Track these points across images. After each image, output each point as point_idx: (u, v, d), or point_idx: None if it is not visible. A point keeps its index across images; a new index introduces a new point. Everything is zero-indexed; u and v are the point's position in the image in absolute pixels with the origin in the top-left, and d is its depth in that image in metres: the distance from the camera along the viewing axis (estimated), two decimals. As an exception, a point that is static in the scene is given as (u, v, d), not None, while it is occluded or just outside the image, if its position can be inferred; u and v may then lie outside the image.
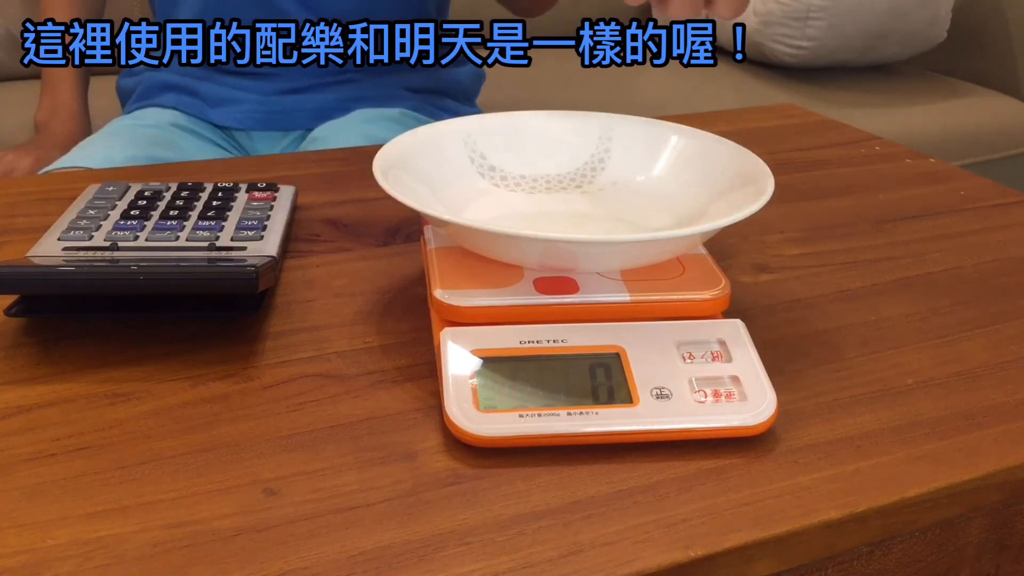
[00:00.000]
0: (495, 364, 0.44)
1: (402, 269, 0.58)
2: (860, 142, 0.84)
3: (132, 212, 0.57)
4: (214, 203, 0.59)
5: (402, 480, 0.41)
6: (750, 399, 0.44)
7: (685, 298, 0.48)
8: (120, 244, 0.54)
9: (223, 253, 0.53)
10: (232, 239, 0.54)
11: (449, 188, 0.55)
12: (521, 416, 0.42)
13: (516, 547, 0.37)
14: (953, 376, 0.49)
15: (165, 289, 0.47)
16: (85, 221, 0.56)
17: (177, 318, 0.51)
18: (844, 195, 0.72)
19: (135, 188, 0.61)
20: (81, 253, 0.52)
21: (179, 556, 0.36)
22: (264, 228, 0.56)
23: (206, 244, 0.54)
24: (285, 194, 0.62)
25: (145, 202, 0.59)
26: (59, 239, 0.54)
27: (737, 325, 0.47)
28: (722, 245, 0.61)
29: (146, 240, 0.54)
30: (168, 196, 0.60)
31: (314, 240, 0.62)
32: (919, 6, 1.65)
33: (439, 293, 0.47)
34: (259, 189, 0.62)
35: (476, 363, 0.44)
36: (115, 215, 0.57)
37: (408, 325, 0.52)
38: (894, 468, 0.42)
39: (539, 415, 0.42)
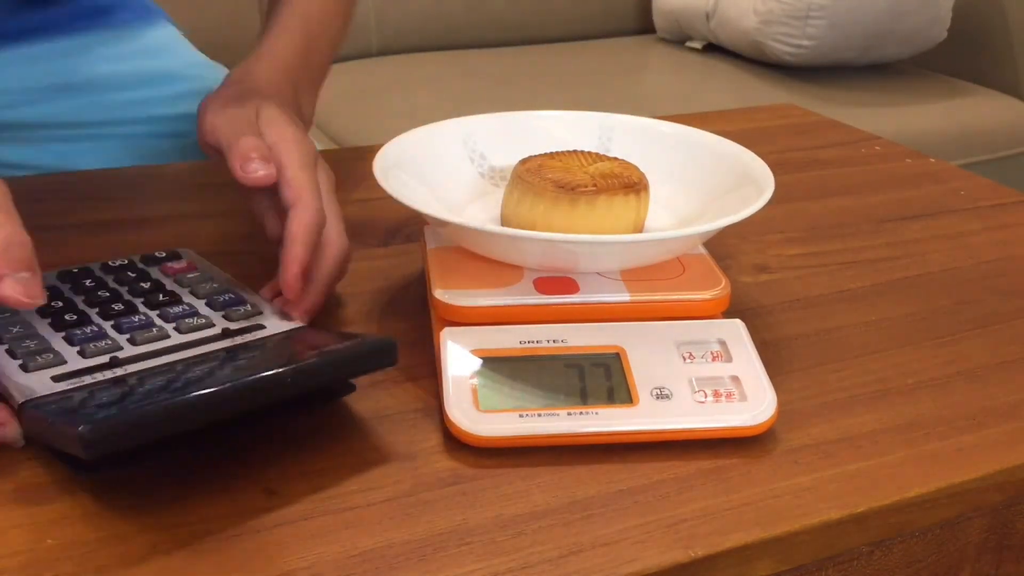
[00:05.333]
0: (495, 364, 0.44)
1: (402, 269, 0.58)
2: (860, 142, 0.84)
3: (68, 317, 0.45)
4: (142, 287, 0.49)
5: (402, 480, 0.41)
6: (750, 399, 0.44)
7: (685, 298, 0.48)
8: (119, 357, 0.43)
9: (245, 337, 0.46)
10: (229, 318, 0.47)
11: (449, 188, 0.55)
12: (521, 416, 0.42)
13: (516, 547, 0.37)
14: (953, 376, 0.49)
15: (309, 383, 0.41)
16: (31, 342, 0.44)
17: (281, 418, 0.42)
18: (844, 195, 0.72)
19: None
20: (87, 378, 0.42)
21: (179, 556, 0.36)
22: (242, 298, 0.48)
23: (220, 331, 0.46)
24: (195, 257, 0.53)
25: (71, 298, 0.47)
26: (29, 370, 0.42)
27: (737, 325, 0.47)
28: (722, 245, 0.61)
29: (139, 346, 0.44)
30: (89, 284, 0.48)
31: (314, 240, 0.61)
32: (919, 6, 1.65)
33: (439, 293, 0.47)
34: (161, 259, 0.52)
35: (476, 363, 0.44)
36: (51, 327, 0.45)
37: (408, 325, 0.51)
38: (894, 468, 0.42)
39: (539, 415, 0.42)
